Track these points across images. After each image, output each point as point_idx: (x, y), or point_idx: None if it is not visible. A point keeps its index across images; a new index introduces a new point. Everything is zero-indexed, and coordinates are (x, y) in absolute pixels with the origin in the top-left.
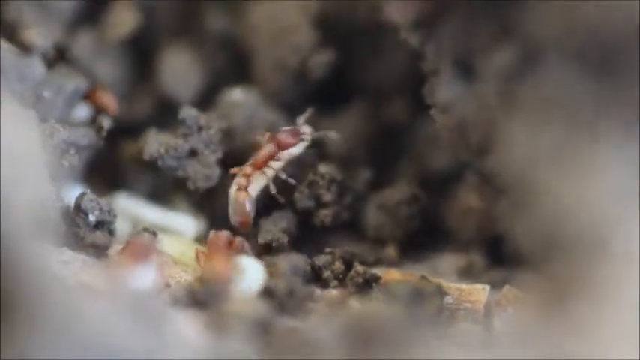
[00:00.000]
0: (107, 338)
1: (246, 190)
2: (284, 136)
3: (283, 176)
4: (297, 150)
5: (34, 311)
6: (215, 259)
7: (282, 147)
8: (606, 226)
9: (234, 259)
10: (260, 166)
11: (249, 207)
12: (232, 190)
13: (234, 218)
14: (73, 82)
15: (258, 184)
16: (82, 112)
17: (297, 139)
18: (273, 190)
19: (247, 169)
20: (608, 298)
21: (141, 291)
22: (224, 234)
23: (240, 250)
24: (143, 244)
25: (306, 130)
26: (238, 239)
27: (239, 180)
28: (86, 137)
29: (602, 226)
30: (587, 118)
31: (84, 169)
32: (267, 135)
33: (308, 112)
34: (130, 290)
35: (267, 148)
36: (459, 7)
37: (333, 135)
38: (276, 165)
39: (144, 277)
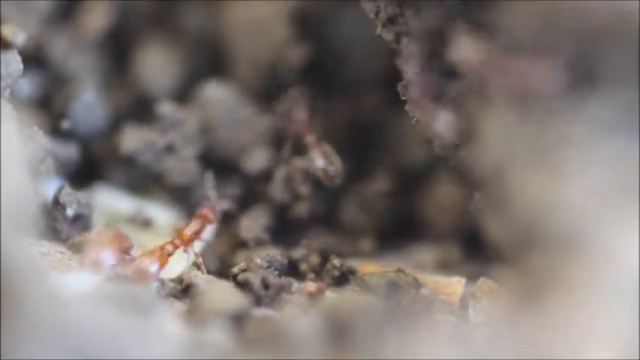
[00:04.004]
0: (86, 331)
1: (162, 266)
2: (207, 211)
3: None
4: (209, 232)
5: (14, 304)
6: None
7: (208, 222)
8: (582, 222)
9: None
10: (189, 242)
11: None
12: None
13: (133, 276)
14: None
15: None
16: None
17: (215, 216)
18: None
19: (177, 241)
20: (583, 293)
21: (121, 283)
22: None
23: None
24: (120, 234)
25: (221, 205)
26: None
27: (162, 253)
28: (63, 149)
29: (578, 221)
30: (563, 115)
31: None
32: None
33: (209, 180)
34: (111, 282)
35: (196, 224)
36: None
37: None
38: (196, 245)
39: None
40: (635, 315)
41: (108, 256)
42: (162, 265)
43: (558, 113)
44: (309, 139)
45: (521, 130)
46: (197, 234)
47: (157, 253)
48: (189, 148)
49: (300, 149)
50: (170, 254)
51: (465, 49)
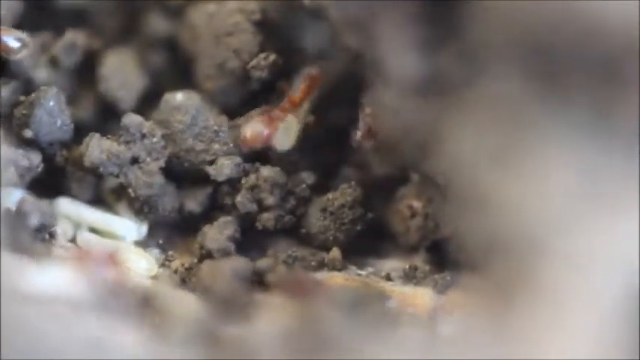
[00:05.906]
0: (43, 344)
1: (275, 128)
2: (315, 73)
3: None
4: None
5: None
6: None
7: (316, 83)
8: (550, 228)
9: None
10: (299, 104)
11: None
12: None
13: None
14: None
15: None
16: None
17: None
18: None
19: (286, 105)
20: (551, 301)
21: (81, 294)
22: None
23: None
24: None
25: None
26: None
27: (275, 113)
28: (26, 158)
29: (545, 228)
30: (531, 121)
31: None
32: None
33: None
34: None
35: (305, 85)
36: (400, 9)
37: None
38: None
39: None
40: (604, 318)
41: (101, 269)
42: (273, 131)
43: (527, 118)
44: None
45: (490, 132)
46: (307, 95)
47: (265, 119)
48: (154, 160)
49: (266, 159)
50: (280, 119)
51: None
